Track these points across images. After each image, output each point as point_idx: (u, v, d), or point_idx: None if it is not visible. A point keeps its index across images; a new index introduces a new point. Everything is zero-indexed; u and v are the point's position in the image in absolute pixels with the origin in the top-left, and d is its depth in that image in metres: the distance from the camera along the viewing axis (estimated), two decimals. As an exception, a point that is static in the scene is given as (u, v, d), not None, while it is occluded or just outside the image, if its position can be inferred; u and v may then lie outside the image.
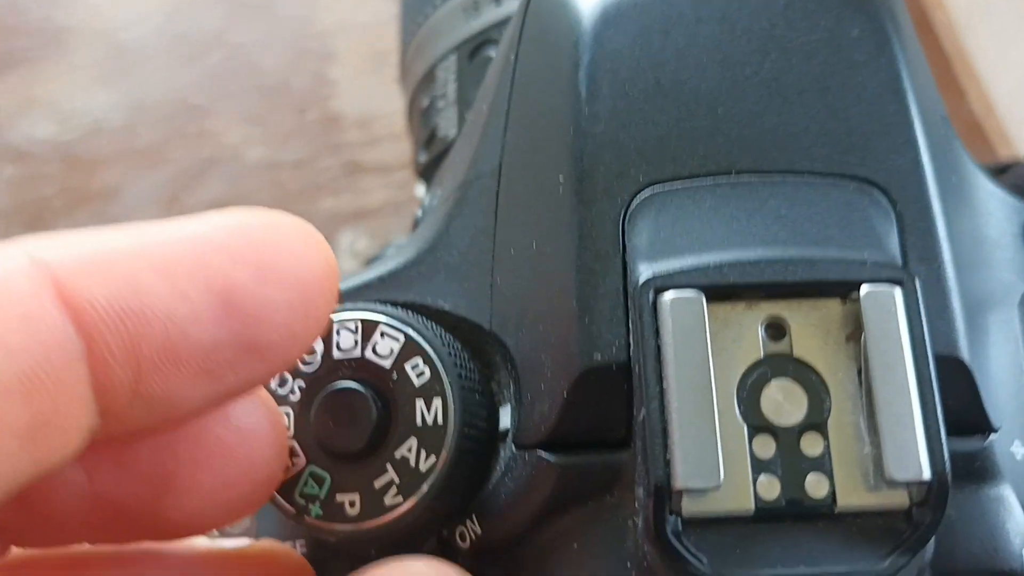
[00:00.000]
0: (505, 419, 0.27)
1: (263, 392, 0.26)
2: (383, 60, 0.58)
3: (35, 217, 0.55)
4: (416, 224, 0.36)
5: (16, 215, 0.55)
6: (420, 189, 0.40)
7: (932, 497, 0.23)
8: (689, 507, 0.23)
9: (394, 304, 0.28)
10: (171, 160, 0.56)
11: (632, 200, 0.26)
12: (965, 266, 0.26)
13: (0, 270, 0.20)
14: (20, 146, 0.56)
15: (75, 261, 0.21)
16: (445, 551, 0.28)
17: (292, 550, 0.29)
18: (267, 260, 0.24)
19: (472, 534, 0.27)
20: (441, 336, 0.28)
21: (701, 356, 0.23)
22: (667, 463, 0.23)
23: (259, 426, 0.25)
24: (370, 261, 0.38)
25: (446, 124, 0.38)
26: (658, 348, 0.23)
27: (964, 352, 0.25)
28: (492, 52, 0.38)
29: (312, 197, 0.55)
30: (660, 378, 0.23)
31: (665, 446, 0.23)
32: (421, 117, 0.40)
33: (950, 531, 0.25)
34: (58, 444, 0.21)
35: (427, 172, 0.39)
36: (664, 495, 0.23)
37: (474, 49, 0.39)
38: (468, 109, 0.36)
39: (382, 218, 0.53)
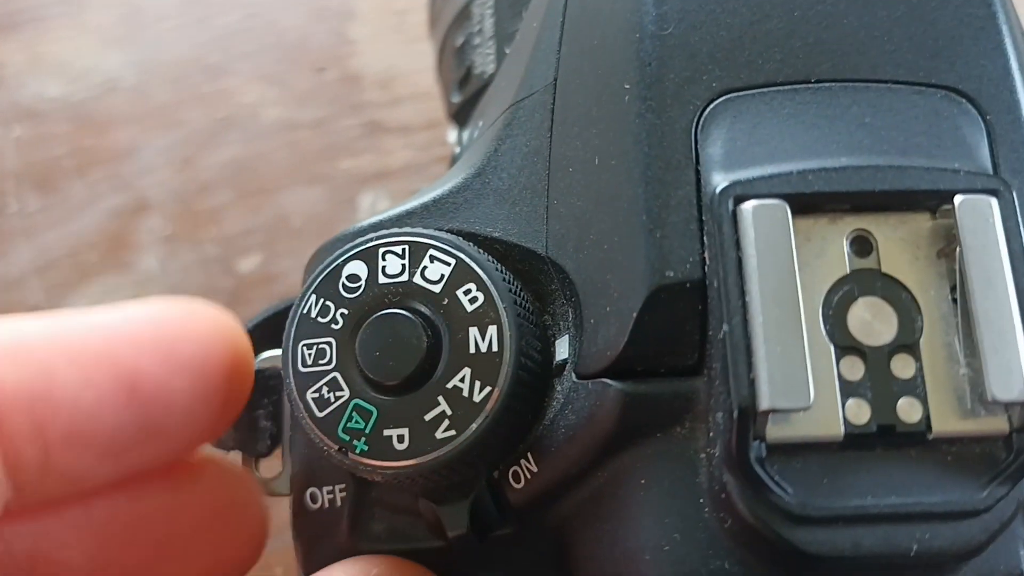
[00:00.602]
0: (561, 352, 0.26)
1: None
2: (405, 18, 0.56)
3: (45, 177, 0.53)
4: (452, 163, 0.34)
5: (27, 174, 0.53)
6: (452, 134, 0.38)
7: (1036, 421, 0.21)
8: (774, 432, 0.21)
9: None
10: (185, 121, 0.55)
11: (706, 107, 0.24)
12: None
13: None
14: (30, 106, 0.55)
15: None
16: (496, 494, 0.26)
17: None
18: (173, 349, 0.26)
19: (527, 473, 0.25)
20: (493, 262, 0.26)
21: (787, 268, 0.21)
22: (752, 382, 0.21)
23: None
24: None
25: (483, 60, 0.36)
26: (739, 260, 0.22)
27: None
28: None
29: (331, 158, 0.53)
30: (742, 291, 0.21)
31: (749, 364, 0.21)
32: (455, 57, 0.38)
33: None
34: None
35: (461, 113, 0.37)
36: (748, 417, 0.21)
37: (512, -20, 0.38)
38: (507, 43, 0.34)
39: (404, 179, 0.52)
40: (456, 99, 0.38)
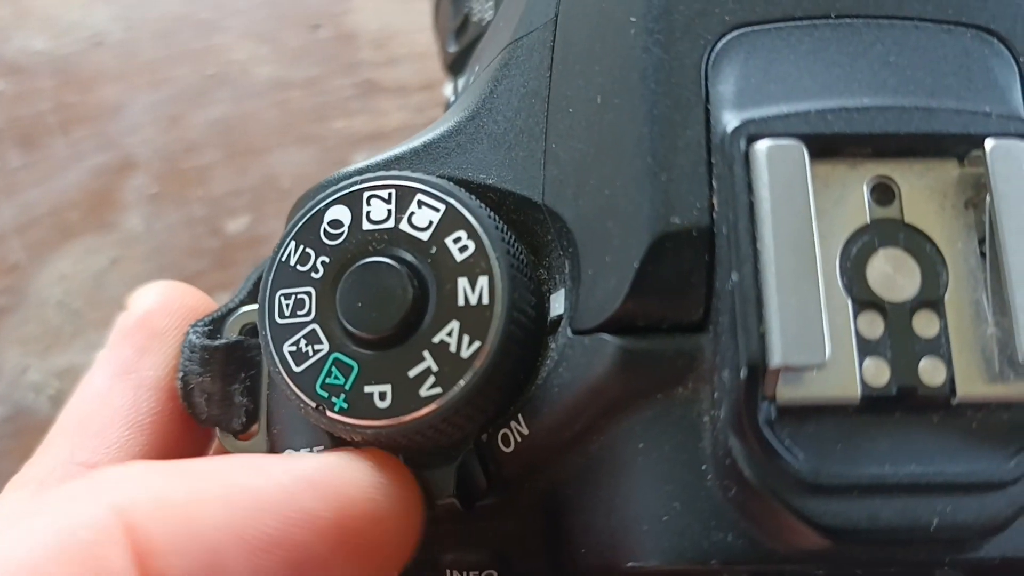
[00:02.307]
0: (556, 308, 0.24)
1: None
2: (403, -25, 0.54)
3: (28, 134, 0.52)
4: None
5: (9, 130, 0.51)
6: (448, 87, 0.37)
7: (1071, 385, 0.20)
8: (785, 392, 0.20)
9: (430, 177, 0.25)
10: (174, 77, 0.53)
11: (717, 42, 0.22)
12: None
13: (91, 541, 0.20)
14: (14, 60, 0.53)
15: (161, 526, 0.20)
16: (484, 459, 0.24)
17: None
18: (346, 529, 0.22)
19: (517, 436, 0.24)
20: (486, 209, 0.24)
21: (803, 215, 0.20)
22: (762, 337, 0.19)
23: None
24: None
25: (481, 7, 0.34)
26: (751, 204, 0.20)
27: None
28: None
29: (323, 118, 0.51)
30: (754, 238, 0.20)
31: (760, 317, 0.19)
32: (452, 4, 0.36)
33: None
34: None
35: (457, 63, 0.35)
36: (757, 375, 0.19)
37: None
38: (505, -11, 0.33)
39: (398, 141, 0.49)
40: (452, 48, 0.36)
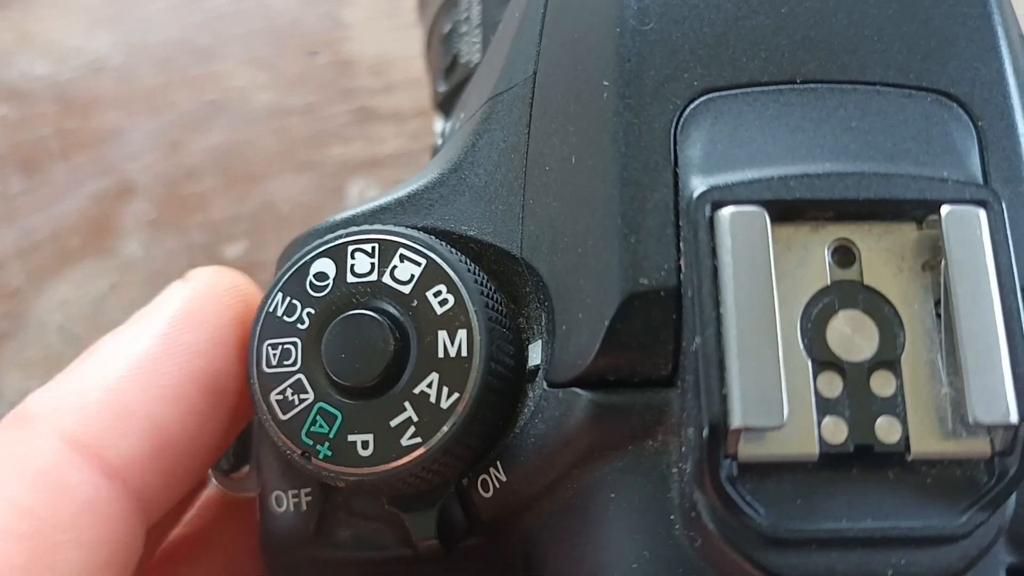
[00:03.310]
0: (534, 357, 0.25)
1: None
2: (399, 3, 0.55)
3: (29, 159, 0.52)
4: (434, 155, 0.33)
5: (11, 156, 0.52)
6: (439, 124, 0.37)
7: (1019, 444, 0.20)
8: (746, 450, 0.20)
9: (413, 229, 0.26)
10: (173, 104, 0.54)
11: (686, 107, 0.23)
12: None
13: (47, 462, 0.24)
14: (15, 85, 0.54)
15: (101, 426, 0.25)
16: (465, 502, 0.25)
17: None
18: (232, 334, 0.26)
19: (496, 482, 0.25)
20: (466, 262, 0.25)
21: (764, 279, 0.21)
22: (724, 398, 0.20)
23: None
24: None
25: (469, 49, 0.35)
26: (715, 268, 0.21)
27: None
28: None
29: (321, 144, 0.52)
30: (717, 302, 0.21)
31: (722, 379, 0.20)
32: (442, 44, 0.37)
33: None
34: None
35: (447, 103, 0.36)
36: (720, 435, 0.20)
37: (500, -32, 0.37)
38: (494, 32, 0.33)
39: (395, 167, 0.51)
40: (442, 88, 0.37)
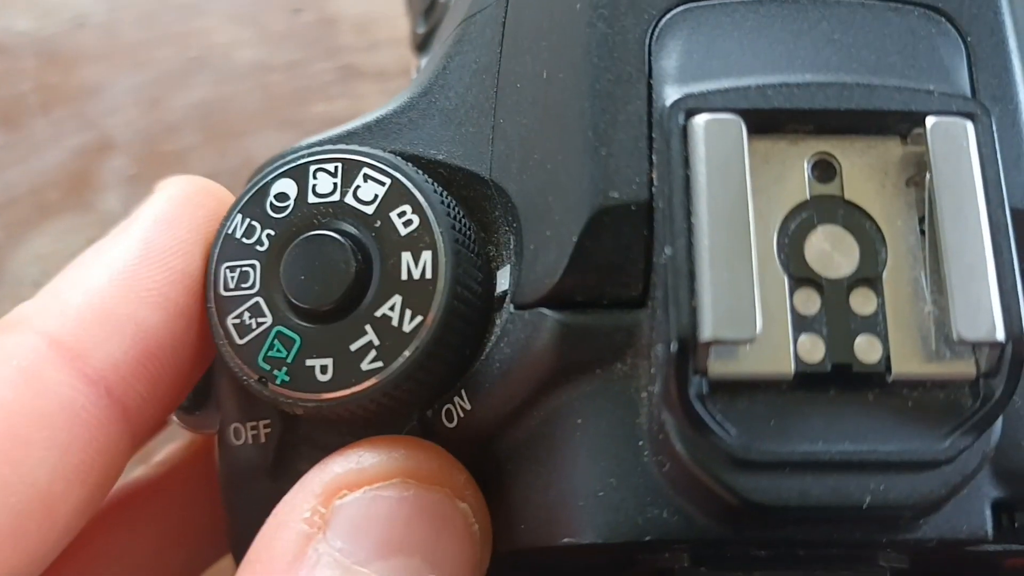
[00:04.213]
0: (503, 283, 0.24)
1: None
2: (387, -40, 0.54)
3: (8, 114, 0.51)
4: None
5: (-11, 109, 0.51)
6: (415, 68, 0.36)
7: (1005, 364, 0.19)
8: (717, 367, 0.20)
9: (381, 152, 0.25)
10: (155, 60, 0.53)
11: (661, 17, 0.22)
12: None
13: (26, 360, 0.23)
14: (-4, 40, 0.53)
15: (83, 328, 0.24)
16: (428, 433, 0.24)
17: None
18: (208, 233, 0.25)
19: (460, 411, 0.24)
20: (432, 184, 0.24)
21: (738, 188, 0.20)
22: (693, 311, 0.19)
23: None
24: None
25: (448, -12, 0.34)
26: (687, 178, 0.20)
27: None
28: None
29: (304, 102, 0.51)
30: (689, 212, 0.20)
31: (692, 290, 0.19)
32: (422, -15, 0.36)
33: (1017, 419, 0.22)
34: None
35: (425, 43, 0.35)
36: (688, 349, 0.19)
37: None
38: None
39: (379, 126, 0.49)
40: (421, 29, 0.36)
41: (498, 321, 0.23)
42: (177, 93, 0.52)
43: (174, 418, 0.29)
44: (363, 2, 0.53)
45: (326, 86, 0.52)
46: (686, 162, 0.20)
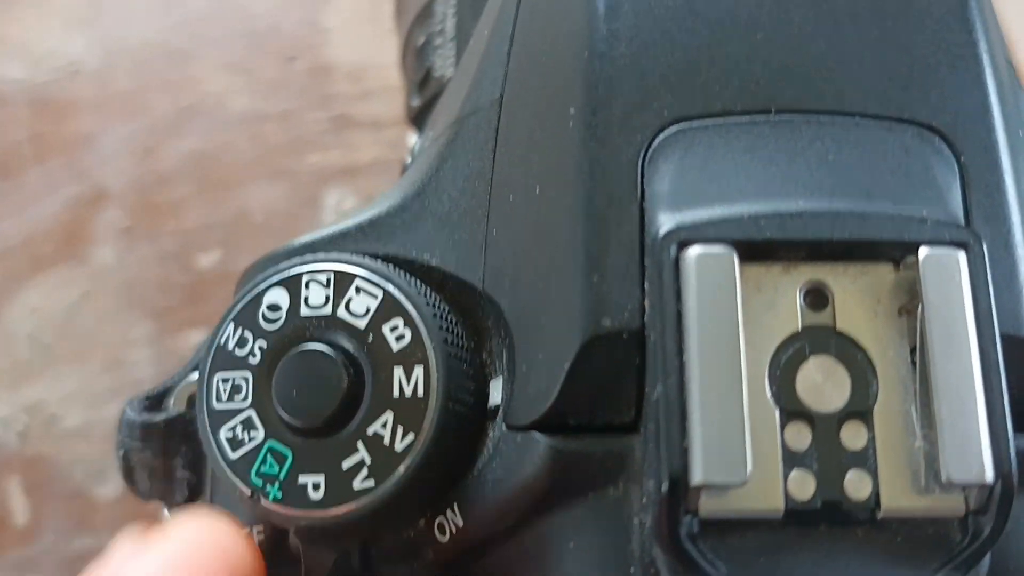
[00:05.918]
0: (496, 394, 0.24)
1: None
2: (380, 8, 0.53)
3: (3, 163, 0.51)
4: (404, 172, 0.32)
5: (-18, 160, 0.51)
6: (412, 138, 0.36)
7: (994, 503, 0.19)
8: (708, 506, 0.19)
9: (373, 257, 0.25)
10: (149, 108, 0.53)
11: (654, 138, 0.22)
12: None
13: None
14: (-10, 88, 0.53)
15: None
16: (421, 546, 0.24)
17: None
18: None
19: (453, 526, 0.24)
20: (426, 295, 0.24)
21: (730, 324, 0.20)
22: (685, 452, 0.19)
23: None
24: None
25: (443, 63, 0.34)
26: (679, 313, 0.20)
27: None
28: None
29: (298, 151, 0.51)
30: (680, 349, 0.20)
31: (683, 431, 0.19)
32: (416, 56, 0.36)
33: (1008, 546, 0.22)
34: None
35: (420, 117, 0.35)
36: (679, 490, 0.19)
37: (477, -20, 0.35)
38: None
39: (372, 176, 0.50)
40: (415, 102, 0.36)
41: (491, 434, 0.23)
42: (170, 142, 0.52)
43: (166, 513, 0.28)
44: (357, 50, 0.53)
45: (319, 135, 0.52)
46: (678, 296, 0.20)
